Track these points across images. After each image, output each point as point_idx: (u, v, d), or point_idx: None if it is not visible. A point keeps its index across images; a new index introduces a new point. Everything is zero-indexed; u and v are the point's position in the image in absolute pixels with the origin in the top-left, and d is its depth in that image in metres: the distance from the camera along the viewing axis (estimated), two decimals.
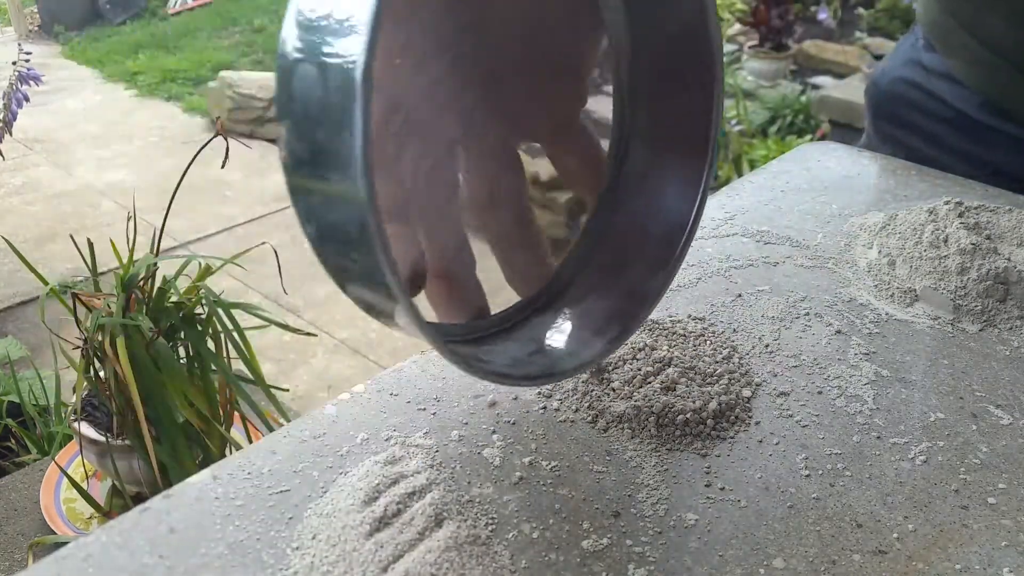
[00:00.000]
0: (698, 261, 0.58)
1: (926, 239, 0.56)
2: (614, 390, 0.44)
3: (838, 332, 0.51)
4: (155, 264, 0.98)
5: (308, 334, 1.15)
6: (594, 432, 0.42)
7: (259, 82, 4.04)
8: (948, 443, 0.42)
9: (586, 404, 0.43)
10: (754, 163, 2.54)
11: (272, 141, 3.95)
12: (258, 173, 3.64)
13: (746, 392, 0.45)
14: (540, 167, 0.41)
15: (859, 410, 0.44)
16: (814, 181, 0.69)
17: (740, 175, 2.57)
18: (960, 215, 0.57)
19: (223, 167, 0.99)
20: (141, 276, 0.96)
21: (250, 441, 1.05)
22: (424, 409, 0.43)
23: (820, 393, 0.45)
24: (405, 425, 0.41)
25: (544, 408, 0.43)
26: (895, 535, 0.37)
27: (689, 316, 0.51)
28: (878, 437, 0.42)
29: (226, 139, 0.98)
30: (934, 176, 0.71)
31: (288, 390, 1.16)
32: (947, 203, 0.58)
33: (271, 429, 1.02)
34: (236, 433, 1.06)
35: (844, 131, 2.31)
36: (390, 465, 0.38)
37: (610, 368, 0.46)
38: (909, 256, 0.56)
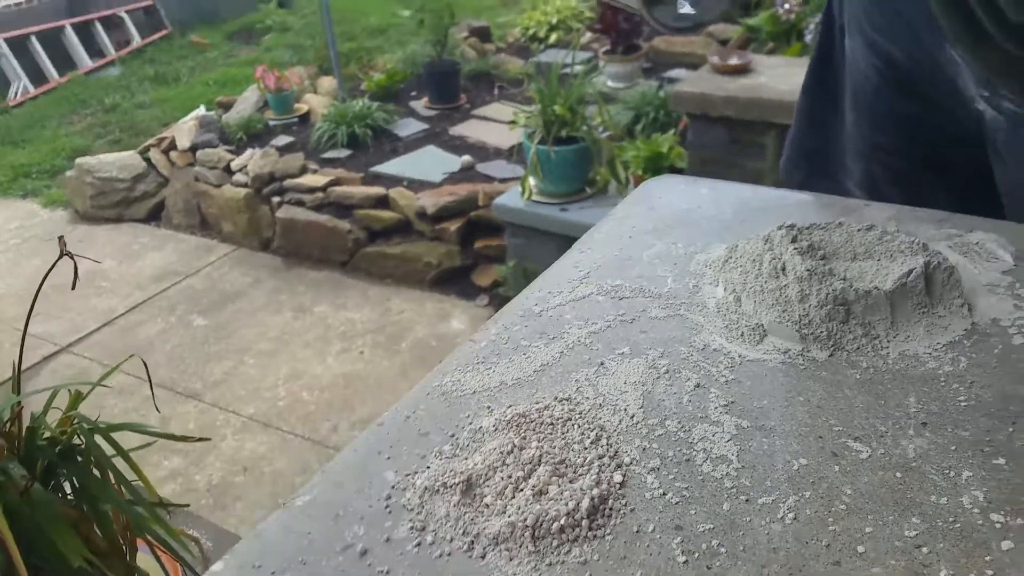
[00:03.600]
0: (559, 333, 0.58)
1: (765, 270, 0.58)
2: (487, 506, 0.43)
3: (697, 386, 0.51)
4: (19, 403, 0.92)
5: (201, 439, 1.10)
6: (471, 562, 0.41)
7: (119, 163, 3.88)
8: (814, 492, 0.43)
9: (460, 530, 0.42)
10: (627, 165, 2.59)
11: (142, 221, 3.79)
12: (131, 257, 3.48)
13: (617, 477, 0.45)
14: None
15: (726, 472, 0.45)
16: (658, 221, 0.70)
17: (616, 178, 2.62)
18: (793, 240, 0.59)
19: (73, 289, 0.94)
20: (6, 419, 0.90)
21: (161, 566, 1.00)
22: None
23: (688, 461, 0.46)
24: None
25: (418, 544, 0.42)
26: None
27: (556, 399, 0.51)
28: (747, 500, 0.43)
29: (72, 258, 0.93)
30: (769, 197, 0.73)
31: (188, 506, 1.10)
32: (780, 228, 0.60)
33: (185, 547, 0.97)
34: (145, 557, 1.00)
35: (702, 122, 2.39)
36: None
37: (481, 482, 0.45)
38: (752, 290, 0.58)
